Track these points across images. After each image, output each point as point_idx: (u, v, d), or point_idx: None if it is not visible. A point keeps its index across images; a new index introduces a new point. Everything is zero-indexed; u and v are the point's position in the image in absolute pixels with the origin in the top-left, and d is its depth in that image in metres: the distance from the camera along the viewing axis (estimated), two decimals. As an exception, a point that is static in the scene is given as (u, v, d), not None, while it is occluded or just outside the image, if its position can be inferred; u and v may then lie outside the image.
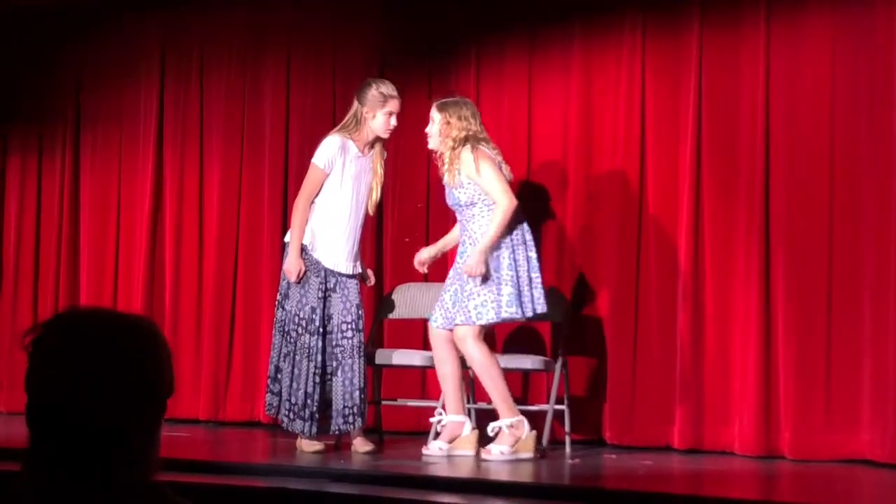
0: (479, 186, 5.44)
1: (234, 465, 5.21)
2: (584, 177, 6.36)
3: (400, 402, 6.28)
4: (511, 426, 5.40)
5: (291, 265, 5.63)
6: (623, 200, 6.21)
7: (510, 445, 5.38)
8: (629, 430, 6.10)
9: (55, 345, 1.63)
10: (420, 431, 6.17)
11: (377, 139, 5.75)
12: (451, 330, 5.50)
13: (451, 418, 5.52)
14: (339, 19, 7.14)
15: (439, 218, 6.69)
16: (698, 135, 6.02)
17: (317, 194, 5.69)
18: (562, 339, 5.99)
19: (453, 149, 5.48)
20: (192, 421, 7.00)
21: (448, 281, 5.59)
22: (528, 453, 5.39)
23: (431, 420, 5.74)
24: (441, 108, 5.58)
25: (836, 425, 5.58)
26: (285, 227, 7.01)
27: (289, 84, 7.21)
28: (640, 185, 6.18)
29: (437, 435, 5.61)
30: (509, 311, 5.39)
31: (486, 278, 5.38)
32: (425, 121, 6.78)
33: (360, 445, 5.66)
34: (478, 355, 5.41)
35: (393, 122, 5.70)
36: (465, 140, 5.48)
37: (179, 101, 7.53)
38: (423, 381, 6.64)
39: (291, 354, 5.62)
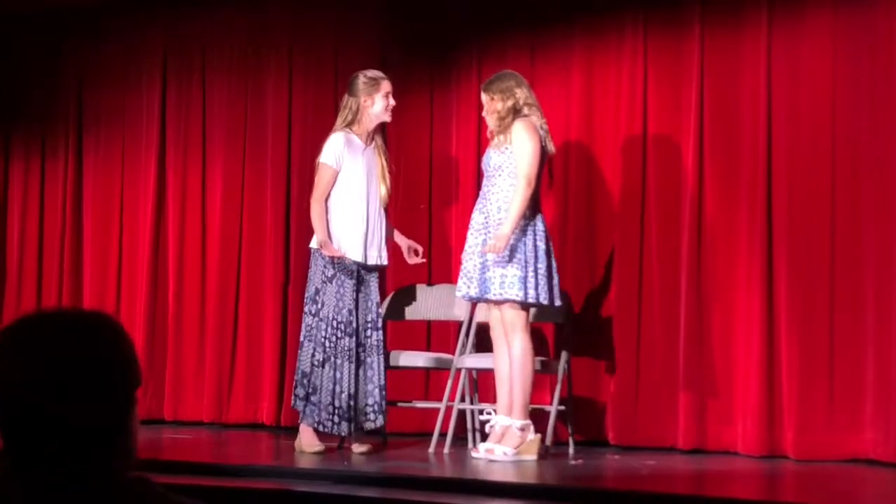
0: (513, 157, 5.47)
1: (238, 468, 5.21)
2: (585, 176, 6.36)
3: (414, 403, 6.26)
4: (521, 428, 5.42)
5: (328, 245, 5.63)
6: (625, 200, 6.22)
7: (514, 447, 5.39)
8: (632, 431, 6.10)
9: (17, 347, 1.65)
10: (424, 433, 6.16)
11: (376, 129, 5.79)
12: (482, 301, 5.52)
13: (502, 419, 5.50)
14: (341, 20, 7.13)
15: (442, 218, 6.70)
16: (700, 134, 6.02)
17: (329, 194, 5.72)
18: (564, 339, 5.99)
19: (502, 118, 5.52)
20: (196, 423, 7.01)
21: (469, 250, 5.58)
22: (531, 456, 5.40)
23: (482, 419, 5.73)
24: (485, 89, 5.62)
25: (840, 425, 5.58)
26: (288, 228, 7.05)
27: (291, 84, 7.21)
28: (642, 185, 6.18)
29: (485, 437, 5.61)
30: (511, 293, 5.41)
31: (507, 258, 5.41)
32: (427, 120, 6.82)
33: (358, 446, 5.69)
34: (522, 347, 5.43)
35: (391, 101, 5.77)
36: (514, 109, 5.52)
37: (182, 102, 7.53)
38: (427, 382, 6.64)
39: (332, 359, 5.64)
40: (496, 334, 5.55)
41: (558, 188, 6.40)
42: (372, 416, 5.68)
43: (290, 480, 4.88)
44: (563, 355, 5.88)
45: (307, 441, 5.67)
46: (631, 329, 6.15)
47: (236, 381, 7.16)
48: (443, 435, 5.81)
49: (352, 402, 5.62)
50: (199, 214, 7.39)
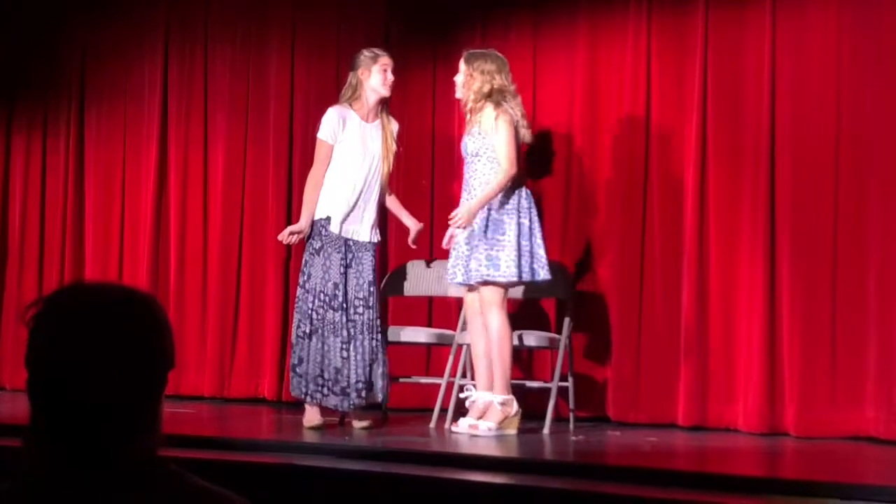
0: (487, 142, 5.49)
1: (240, 441, 5.22)
2: (588, 153, 6.35)
3: (413, 379, 6.26)
4: (503, 403, 5.44)
5: (296, 227, 5.70)
6: (628, 176, 6.20)
7: (497, 422, 5.42)
8: (633, 407, 6.10)
9: (55, 319, 1.62)
10: (425, 408, 6.17)
11: (381, 104, 5.78)
12: (468, 287, 5.52)
13: (483, 395, 5.53)
14: (344, -5, 7.12)
15: (444, 194, 6.68)
16: (704, 111, 6.00)
17: (326, 168, 5.72)
18: (566, 315, 5.98)
19: (475, 101, 5.56)
20: (197, 397, 7.02)
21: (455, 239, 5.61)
22: (511, 430, 5.46)
23: (461, 396, 5.72)
24: (467, 60, 5.65)
25: (841, 402, 5.58)
26: (290, 203, 7.04)
27: (293, 60, 7.20)
28: (645, 161, 6.17)
29: (464, 412, 5.61)
30: (506, 274, 5.42)
31: (485, 238, 5.43)
32: (430, 96, 6.81)
33: (359, 421, 5.68)
34: (499, 324, 5.46)
35: (389, 76, 5.75)
36: (489, 94, 5.54)
37: (184, 77, 7.51)
38: (428, 357, 6.65)
39: (319, 332, 5.64)
40: (472, 312, 5.59)
41: (561, 164, 6.39)
42: (364, 395, 5.63)
43: (290, 455, 4.88)
44: (565, 331, 5.88)
45: (307, 416, 5.68)
46: (633, 306, 6.14)
47: (238, 355, 7.17)
48: (444, 410, 5.82)
49: (339, 377, 5.60)
50: (200, 189, 7.38)
